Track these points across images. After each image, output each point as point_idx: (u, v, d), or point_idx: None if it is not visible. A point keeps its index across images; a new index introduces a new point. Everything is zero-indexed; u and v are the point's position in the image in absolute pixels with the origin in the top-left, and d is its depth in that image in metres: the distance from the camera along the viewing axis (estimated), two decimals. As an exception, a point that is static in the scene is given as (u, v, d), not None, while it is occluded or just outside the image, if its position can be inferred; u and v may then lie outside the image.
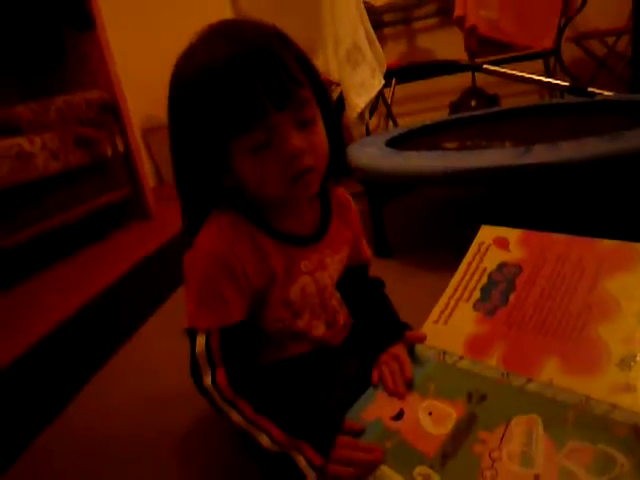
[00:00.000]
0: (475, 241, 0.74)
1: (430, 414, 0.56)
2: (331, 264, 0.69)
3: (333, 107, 0.64)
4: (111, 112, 2.24)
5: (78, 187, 2.06)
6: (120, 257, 1.82)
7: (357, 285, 0.76)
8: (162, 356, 1.07)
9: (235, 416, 0.58)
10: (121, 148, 2.26)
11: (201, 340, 0.59)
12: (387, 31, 3.38)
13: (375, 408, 0.59)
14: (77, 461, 0.81)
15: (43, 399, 1.02)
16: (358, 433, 0.56)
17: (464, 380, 0.59)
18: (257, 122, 0.53)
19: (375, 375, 0.64)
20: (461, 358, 0.62)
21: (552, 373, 0.55)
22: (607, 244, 0.64)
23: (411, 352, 0.66)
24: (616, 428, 0.48)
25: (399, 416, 0.57)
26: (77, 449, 0.85)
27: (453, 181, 1.08)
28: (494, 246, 0.72)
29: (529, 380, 0.56)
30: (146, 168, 2.50)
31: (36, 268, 1.82)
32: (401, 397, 0.59)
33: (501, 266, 0.69)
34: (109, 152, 2.19)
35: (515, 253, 0.70)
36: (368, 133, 1.97)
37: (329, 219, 0.69)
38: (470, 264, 0.72)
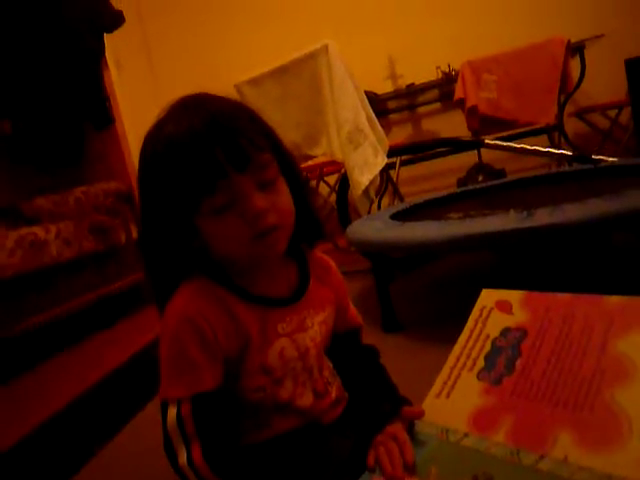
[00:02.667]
0: (476, 306, 0.69)
1: (432, 501, 0.50)
2: (312, 326, 0.65)
3: (297, 171, 0.65)
4: (126, 201, 2.31)
5: (91, 273, 2.08)
6: (130, 341, 1.79)
7: (348, 353, 0.72)
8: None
9: None
10: (135, 235, 2.31)
11: (172, 412, 0.55)
12: (392, 117, 3.53)
13: None
14: None
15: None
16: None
17: (469, 460, 0.53)
18: (218, 185, 0.54)
19: (371, 457, 0.57)
20: (466, 435, 0.56)
21: (566, 448, 0.49)
22: (614, 300, 0.59)
23: (411, 430, 0.60)
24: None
25: (398, 504, 0.51)
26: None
27: (457, 248, 1.06)
28: (496, 310, 0.67)
29: (541, 457, 0.49)
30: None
31: (46, 355, 1.79)
32: None
33: (505, 331, 0.64)
34: (123, 239, 2.23)
35: (518, 316, 0.65)
36: (376, 211, 1.98)
37: (307, 279, 0.67)
38: (472, 330, 0.67)
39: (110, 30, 2.45)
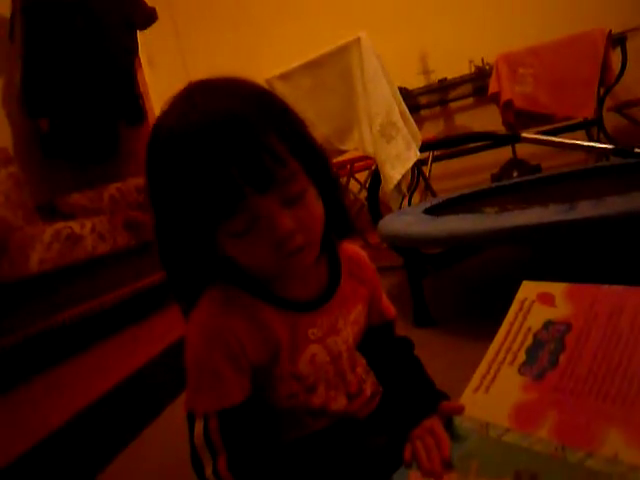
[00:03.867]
0: (517, 298, 0.66)
1: (472, 497, 0.47)
2: (344, 327, 0.62)
3: (327, 169, 0.57)
4: (159, 197, 2.34)
5: (124, 268, 2.11)
6: (158, 337, 1.81)
7: (382, 346, 0.69)
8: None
9: None
10: (167, 230, 2.33)
11: (199, 426, 0.53)
12: (424, 112, 3.48)
13: None
14: None
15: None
16: (389, 520, 0.48)
17: (511, 456, 0.50)
18: (236, 207, 0.47)
19: (408, 452, 0.55)
20: (507, 430, 0.53)
21: (616, 446, 0.46)
22: (668, 293, 0.56)
23: (449, 425, 0.57)
24: None
25: (435, 500, 0.49)
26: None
27: (495, 242, 1.02)
28: (538, 302, 0.64)
29: (589, 455, 0.47)
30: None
31: (76, 349, 1.83)
32: (438, 477, 0.51)
33: (547, 324, 0.61)
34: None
35: (562, 309, 0.62)
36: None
37: (338, 278, 0.63)
38: (512, 324, 0.64)
39: (143, 27, 2.50)
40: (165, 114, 0.51)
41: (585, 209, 0.93)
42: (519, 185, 1.75)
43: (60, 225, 1.82)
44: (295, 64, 1.82)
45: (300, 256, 0.51)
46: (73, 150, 2.39)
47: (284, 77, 1.81)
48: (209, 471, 0.52)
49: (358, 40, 1.66)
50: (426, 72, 3.35)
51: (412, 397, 0.63)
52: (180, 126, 0.48)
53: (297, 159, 0.51)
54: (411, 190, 2.31)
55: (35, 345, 1.67)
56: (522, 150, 2.98)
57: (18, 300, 1.65)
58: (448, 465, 0.52)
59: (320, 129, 1.70)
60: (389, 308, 0.71)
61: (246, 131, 0.47)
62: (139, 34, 2.53)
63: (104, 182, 2.30)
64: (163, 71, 3.03)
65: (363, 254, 0.69)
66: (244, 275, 0.56)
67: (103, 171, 2.47)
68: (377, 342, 0.69)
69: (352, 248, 0.68)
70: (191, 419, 0.54)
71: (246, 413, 0.55)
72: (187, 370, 0.55)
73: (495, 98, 2.79)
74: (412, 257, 1.33)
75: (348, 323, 0.63)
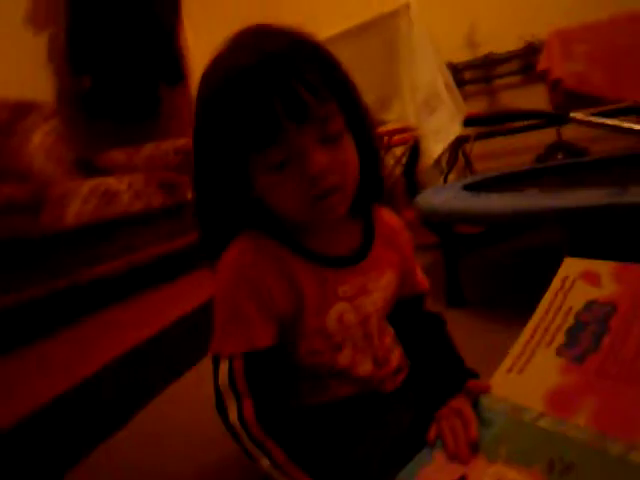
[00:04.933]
0: (557, 276, 0.63)
1: (500, 482, 0.46)
2: (375, 290, 0.61)
3: (367, 121, 0.58)
4: (195, 159, 2.35)
5: (158, 228, 2.14)
6: (189, 297, 1.84)
7: (412, 319, 0.68)
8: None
9: (265, 462, 0.50)
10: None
11: (224, 367, 0.54)
12: (468, 89, 3.36)
13: (431, 472, 0.49)
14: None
15: (66, 448, 0.99)
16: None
17: (544, 443, 0.48)
18: (274, 138, 0.49)
19: (432, 432, 0.53)
20: (541, 415, 0.51)
21: (662, 438, 0.43)
22: None
23: (477, 406, 0.55)
24: None
25: (460, 483, 0.47)
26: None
27: (537, 222, 0.98)
28: (581, 281, 0.61)
29: (631, 447, 0.44)
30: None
31: (109, 302, 1.87)
32: (464, 461, 0.49)
33: (590, 304, 0.58)
34: (189, 196, 2.28)
35: (607, 289, 0.58)
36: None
37: (372, 240, 0.62)
38: (552, 303, 0.61)
39: (188, -13, 2.46)
40: (218, 54, 0.54)
41: (638, 193, 0.88)
42: (564, 167, 1.68)
43: (98, 180, 1.84)
44: (336, 31, 1.77)
45: (332, 199, 0.52)
46: (113, 108, 2.41)
47: (327, 43, 1.76)
48: (233, 416, 0.52)
49: (407, 6, 1.60)
50: (472, 45, 3.21)
51: (440, 374, 0.61)
52: (229, 61, 0.51)
53: (338, 103, 0.52)
54: (450, 167, 2.26)
55: (65, 299, 1.71)
56: (568, 133, 2.85)
57: (54, 252, 1.69)
58: (475, 448, 0.50)
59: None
60: (422, 281, 0.70)
61: (290, 66, 0.49)
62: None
63: (143, 141, 2.31)
64: (205, 33, 3.00)
65: (400, 222, 0.68)
66: (275, 223, 0.57)
67: (142, 130, 2.48)
68: (407, 314, 0.68)
69: (389, 215, 0.67)
70: (216, 362, 0.55)
71: (271, 361, 0.55)
72: (215, 312, 0.56)
73: (544, 76, 2.67)
74: (448, 236, 1.30)
75: (379, 287, 0.61)
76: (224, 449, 0.79)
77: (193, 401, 1.04)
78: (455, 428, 0.52)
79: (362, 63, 1.72)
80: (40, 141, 2.06)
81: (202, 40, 2.82)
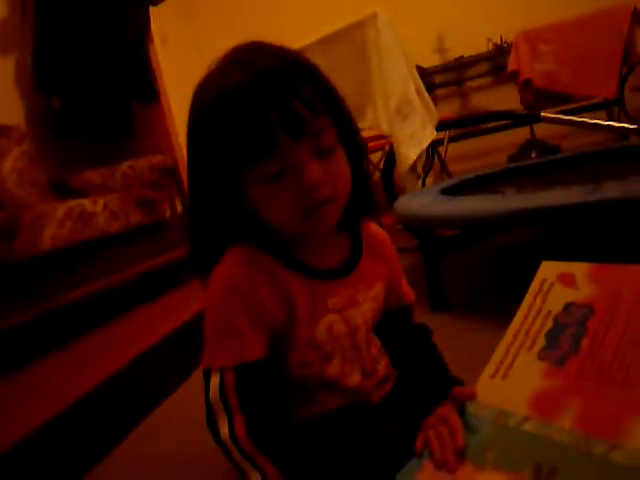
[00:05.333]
0: (535, 279, 0.64)
1: (488, 488, 0.46)
2: (364, 302, 0.61)
3: (357, 136, 0.60)
4: (171, 175, 2.33)
5: (137, 247, 2.11)
6: (173, 315, 1.81)
7: (399, 331, 0.68)
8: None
9: (255, 477, 0.50)
10: (179, 209, 2.33)
11: (215, 381, 0.53)
12: (439, 92, 3.40)
13: None
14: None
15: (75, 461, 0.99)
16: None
17: (530, 447, 0.48)
18: (269, 151, 0.50)
19: (420, 441, 0.54)
20: (526, 419, 0.51)
21: (643, 437, 0.44)
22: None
23: (463, 413, 0.56)
24: None
25: (450, 490, 0.47)
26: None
27: (515, 224, 0.99)
28: (558, 284, 0.61)
29: (614, 446, 0.45)
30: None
31: (91, 325, 1.84)
32: (451, 469, 0.49)
33: (568, 306, 0.59)
34: (168, 213, 2.26)
35: (584, 290, 0.59)
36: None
37: (360, 252, 0.63)
38: (531, 306, 0.62)
39: (155, 3, 2.45)
40: (211, 71, 0.55)
41: (611, 189, 0.90)
42: (538, 166, 1.70)
43: (72, 203, 1.81)
44: (308, 41, 1.77)
45: (324, 210, 0.53)
46: (85, 127, 2.37)
47: (300, 52, 1.77)
48: (225, 431, 0.52)
49: (374, 15, 1.61)
50: (442, 50, 3.27)
51: (425, 383, 0.62)
52: (224, 77, 0.52)
53: (330, 118, 0.53)
54: (426, 171, 2.28)
55: (47, 323, 1.68)
56: (540, 131, 2.91)
57: (30, 278, 1.66)
58: (462, 456, 0.50)
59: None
60: (408, 292, 0.71)
61: (285, 81, 0.50)
62: (151, 10, 2.48)
63: (117, 160, 2.28)
64: (176, 47, 3.00)
65: (385, 234, 0.69)
66: (267, 236, 0.58)
67: (116, 149, 2.45)
68: (394, 326, 0.68)
69: (375, 227, 0.68)
70: (207, 376, 0.55)
71: (262, 374, 0.55)
72: (206, 325, 0.56)
73: (514, 77, 2.72)
74: (427, 239, 1.31)
75: (368, 298, 0.62)
76: (215, 467, 0.79)
77: (184, 420, 1.02)
78: (442, 436, 0.52)
79: (334, 72, 1.73)
80: (12, 165, 2.02)
81: (173, 56, 2.81)
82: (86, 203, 1.85)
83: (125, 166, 2.26)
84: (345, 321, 0.60)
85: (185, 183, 1.87)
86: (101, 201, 1.91)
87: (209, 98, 0.53)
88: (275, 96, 0.49)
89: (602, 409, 0.48)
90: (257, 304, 0.55)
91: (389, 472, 0.51)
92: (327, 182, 0.52)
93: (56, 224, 1.69)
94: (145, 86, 2.43)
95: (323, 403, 0.60)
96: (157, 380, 1.32)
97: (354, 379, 0.61)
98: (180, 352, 1.49)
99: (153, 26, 2.53)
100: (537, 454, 0.47)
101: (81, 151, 2.44)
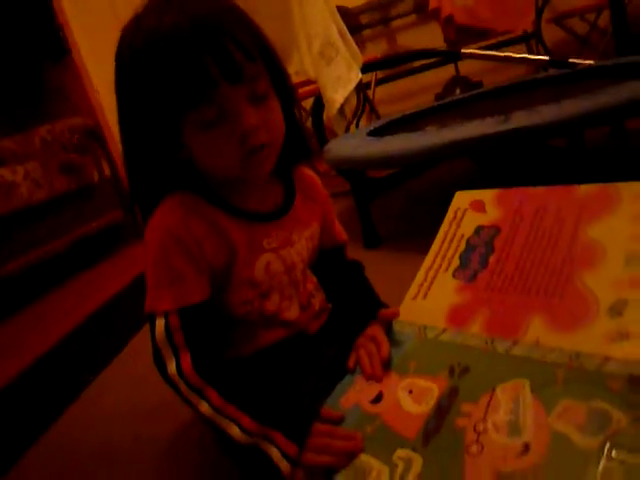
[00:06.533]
0: (450, 208, 0.69)
1: (410, 393, 0.51)
2: (298, 240, 0.65)
3: (289, 83, 0.60)
4: (95, 137, 2.22)
5: (67, 215, 2.03)
6: (115, 277, 1.78)
7: (334, 268, 0.73)
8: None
9: (204, 407, 0.53)
10: (108, 172, 2.24)
11: (160, 323, 0.55)
12: (366, 33, 3.37)
13: (353, 394, 0.55)
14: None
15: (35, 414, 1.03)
16: (337, 421, 0.52)
17: (446, 353, 0.54)
18: (207, 96, 0.50)
19: (352, 360, 0.59)
20: (443, 331, 0.57)
21: (538, 332, 0.50)
22: (586, 189, 0.59)
23: (390, 331, 0.61)
24: (610, 381, 0.43)
25: (378, 399, 0.53)
26: (67, 461, 0.84)
27: (436, 157, 1.04)
28: (470, 210, 0.67)
29: (514, 343, 0.51)
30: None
31: (28, 299, 1.79)
32: (379, 379, 0.55)
33: (478, 229, 0.65)
34: (95, 177, 2.17)
35: (492, 214, 0.65)
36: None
37: (293, 196, 0.66)
38: (447, 233, 0.67)
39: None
40: (140, 13, 0.53)
41: (519, 119, 0.96)
42: (459, 102, 1.76)
43: (-11, 173, 1.71)
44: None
45: (261, 155, 0.54)
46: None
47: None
48: (172, 368, 0.54)
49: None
50: (366, -11, 3.21)
51: (356, 308, 0.67)
52: (156, 21, 0.51)
53: (264, 64, 0.54)
54: (357, 115, 2.29)
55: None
56: (465, 68, 2.96)
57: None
58: (389, 367, 0.56)
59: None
60: (341, 232, 0.74)
61: (221, 25, 0.50)
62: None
63: (33, 125, 2.14)
64: (83, 3, 2.78)
65: (316, 178, 0.72)
66: (203, 183, 0.59)
67: (30, 114, 2.29)
68: (329, 264, 0.72)
69: (307, 171, 0.71)
70: (152, 319, 0.56)
71: (205, 314, 0.57)
72: (147, 272, 0.57)
73: (436, 14, 2.73)
74: (358, 181, 1.34)
75: (302, 237, 0.65)
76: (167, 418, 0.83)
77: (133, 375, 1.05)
78: (371, 353, 0.58)
79: (255, 16, 1.69)
80: None
81: (81, 9, 2.61)
82: (5, 173, 1.75)
83: (43, 131, 2.12)
84: (282, 260, 0.62)
85: (110, 145, 1.79)
86: (21, 169, 1.81)
87: (142, 41, 0.51)
88: (213, 41, 0.49)
89: (505, 314, 0.55)
90: (195, 248, 0.56)
91: (328, 392, 0.56)
92: (263, 128, 0.53)
93: (-26, 197, 1.59)
94: (53, 43, 2.26)
95: (265, 337, 0.63)
96: (102, 344, 1.32)
97: (292, 313, 0.65)
98: (123, 315, 1.49)
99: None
100: (451, 358, 0.53)
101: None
